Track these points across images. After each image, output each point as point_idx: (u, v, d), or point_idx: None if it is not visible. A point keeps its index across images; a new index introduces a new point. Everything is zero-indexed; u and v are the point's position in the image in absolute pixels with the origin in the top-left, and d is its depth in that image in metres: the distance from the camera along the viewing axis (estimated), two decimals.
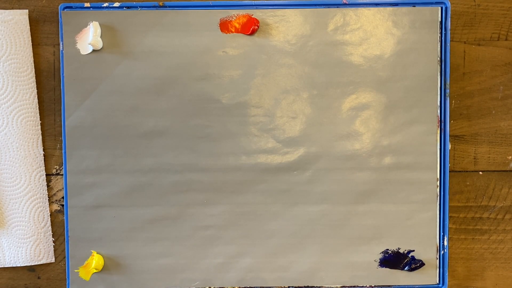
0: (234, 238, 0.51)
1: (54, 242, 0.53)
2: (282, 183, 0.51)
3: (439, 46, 0.51)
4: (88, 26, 0.50)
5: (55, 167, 0.53)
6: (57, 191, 0.53)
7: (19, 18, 0.51)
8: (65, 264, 0.53)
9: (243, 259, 0.52)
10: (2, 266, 0.52)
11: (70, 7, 0.50)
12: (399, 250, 0.51)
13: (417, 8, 0.50)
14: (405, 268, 0.51)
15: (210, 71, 0.51)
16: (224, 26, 0.51)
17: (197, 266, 0.51)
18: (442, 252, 0.51)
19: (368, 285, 0.52)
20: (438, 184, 0.51)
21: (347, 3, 0.50)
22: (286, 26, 0.51)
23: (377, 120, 0.51)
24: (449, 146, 0.51)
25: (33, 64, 0.52)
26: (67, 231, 0.51)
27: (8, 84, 0.51)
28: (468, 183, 0.53)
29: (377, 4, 0.51)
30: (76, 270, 0.51)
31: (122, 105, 0.51)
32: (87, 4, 0.50)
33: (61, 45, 0.50)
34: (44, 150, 0.53)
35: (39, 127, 0.52)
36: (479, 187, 0.53)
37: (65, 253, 0.52)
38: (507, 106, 0.53)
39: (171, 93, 0.51)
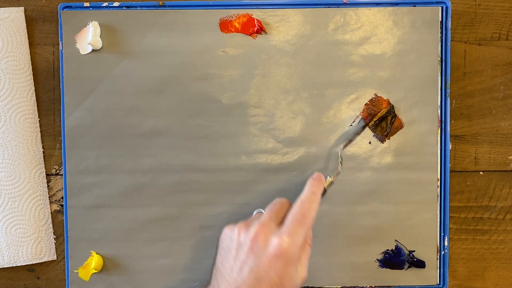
0: None
1: (55, 239, 0.53)
2: (282, 183, 0.51)
3: (439, 46, 0.50)
4: (87, 26, 0.50)
5: (55, 167, 0.53)
6: (57, 191, 0.53)
7: (15, 15, 0.51)
8: (64, 264, 0.53)
9: None
10: (1, 267, 0.52)
11: (70, 7, 0.50)
12: (400, 251, 0.51)
13: (418, 8, 0.50)
14: (406, 269, 0.51)
15: (210, 71, 0.51)
16: (224, 26, 0.50)
17: (197, 266, 0.51)
18: (442, 253, 0.51)
19: (368, 286, 0.52)
20: (439, 184, 0.51)
21: (348, 2, 0.50)
22: (286, 26, 0.51)
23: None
24: (449, 146, 0.51)
25: (30, 61, 0.52)
26: (67, 231, 0.51)
27: (5, 82, 0.51)
28: (468, 183, 0.53)
29: (377, 4, 0.50)
30: (75, 271, 0.51)
31: (122, 105, 0.51)
32: (86, 4, 0.50)
33: (60, 44, 0.50)
34: (43, 150, 0.53)
35: (38, 124, 0.52)
36: (479, 187, 0.53)
37: (65, 253, 0.52)
38: (507, 106, 0.53)
39: (171, 93, 0.51)
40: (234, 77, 0.51)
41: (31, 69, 0.52)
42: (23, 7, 0.52)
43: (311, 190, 0.44)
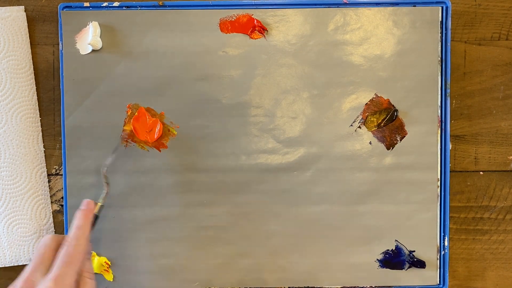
0: (234, 239, 0.51)
1: None
2: (282, 183, 0.51)
3: (439, 46, 0.50)
4: (87, 26, 0.50)
5: (55, 167, 0.53)
6: (57, 191, 0.53)
7: (16, 15, 0.51)
8: None
9: (243, 259, 0.51)
10: (3, 266, 0.52)
11: (70, 7, 0.50)
12: (400, 251, 0.51)
13: (418, 7, 0.50)
14: (406, 269, 0.51)
15: (210, 71, 0.51)
16: (224, 26, 0.50)
17: (197, 266, 0.51)
18: (442, 253, 0.51)
19: (368, 286, 0.52)
20: (439, 184, 0.51)
21: (348, 2, 0.50)
22: (286, 26, 0.51)
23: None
24: (449, 146, 0.51)
25: (31, 60, 0.52)
26: (67, 231, 0.51)
27: (6, 81, 0.51)
28: (468, 183, 0.53)
29: (377, 4, 0.50)
30: None
31: (122, 105, 0.51)
32: (86, 4, 0.50)
33: (60, 45, 0.50)
34: (43, 150, 0.53)
35: (39, 124, 0.52)
36: (479, 187, 0.53)
37: None
38: (507, 106, 0.53)
39: (171, 93, 0.51)
40: (234, 77, 0.51)
41: (32, 68, 0.52)
42: (23, 6, 0.52)
43: (77, 226, 0.44)
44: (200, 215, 0.51)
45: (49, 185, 0.53)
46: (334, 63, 0.51)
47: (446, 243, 0.51)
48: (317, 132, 0.51)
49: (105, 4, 0.50)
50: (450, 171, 0.52)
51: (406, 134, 0.51)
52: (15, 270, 0.53)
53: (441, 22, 0.50)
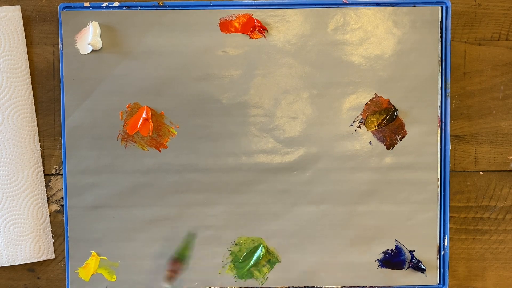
0: (234, 239, 0.51)
1: (53, 239, 0.53)
2: (282, 183, 0.51)
3: (439, 46, 0.50)
4: (87, 26, 0.50)
5: (55, 167, 0.53)
6: (57, 191, 0.53)
7: (12, 14, 0.51)
8: (64, 264, 0.53)
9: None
10: (0, 266, 0.52)
11: (70, 7, 0.50)
12: (400, 251, 0.51)
13: (418, 7, 0.50)
14: (406, 269, 0.51)
15: (210, 71, 0.51)
16: (224, 26, 0.50)
17: (197, 266, 0.51)
18: (442, 253, 0.51)
19: (368, 286, 0.52)
20: (439, 184, 0.51)
21: (348, 2, 0.50)
22: (286, 26, 0.51)
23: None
24: (449, 146, 0.51)
25: (27, 60, 0.52)
26: (67, 231, 0.51)
27: (3, 81, 0.51)
28: (468, 183, 0.53)
29: (377, 4, 0.50)
30: (75, 271, 0.51)
31: (122, 105, 0.51)
32: (86, 4, 0.50)
33: (60, 45, 0.50)
34: (43, 150, 0.53)
35: (36, 123, 0.52)
36: (479, 187, 0.53)
37: (65, 253, 0.52)
38: (507, 106, 0.53)
39: (171, 93, 0.51)
40: (234, 77, 0.51)
41: (28, 67, 0.52)
42: (19, 6, 0.52)
43: None
44: (200, 215, 0.51)
45: (49, 185, 0.53)
46: (334, 63, 0.51)
47: (446, 243, 0.51)
48: (317, 132, 0.51)
49: (105, 4, 0.50)
50: (450, 171, 0.52)
51: (406, 134, 0.51)
52: (15, 271, 0.53)
53: (441, 22, 0.50)
